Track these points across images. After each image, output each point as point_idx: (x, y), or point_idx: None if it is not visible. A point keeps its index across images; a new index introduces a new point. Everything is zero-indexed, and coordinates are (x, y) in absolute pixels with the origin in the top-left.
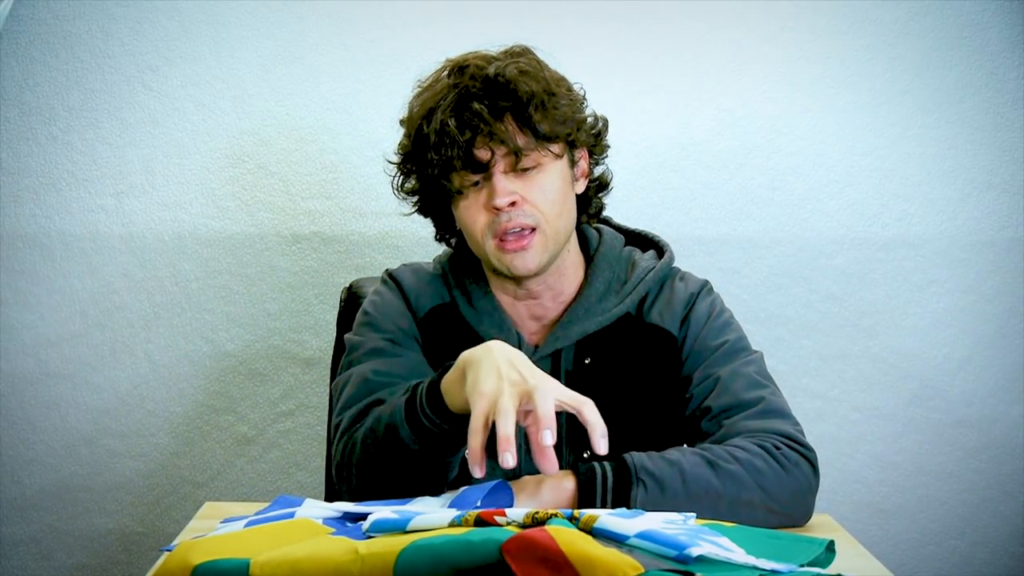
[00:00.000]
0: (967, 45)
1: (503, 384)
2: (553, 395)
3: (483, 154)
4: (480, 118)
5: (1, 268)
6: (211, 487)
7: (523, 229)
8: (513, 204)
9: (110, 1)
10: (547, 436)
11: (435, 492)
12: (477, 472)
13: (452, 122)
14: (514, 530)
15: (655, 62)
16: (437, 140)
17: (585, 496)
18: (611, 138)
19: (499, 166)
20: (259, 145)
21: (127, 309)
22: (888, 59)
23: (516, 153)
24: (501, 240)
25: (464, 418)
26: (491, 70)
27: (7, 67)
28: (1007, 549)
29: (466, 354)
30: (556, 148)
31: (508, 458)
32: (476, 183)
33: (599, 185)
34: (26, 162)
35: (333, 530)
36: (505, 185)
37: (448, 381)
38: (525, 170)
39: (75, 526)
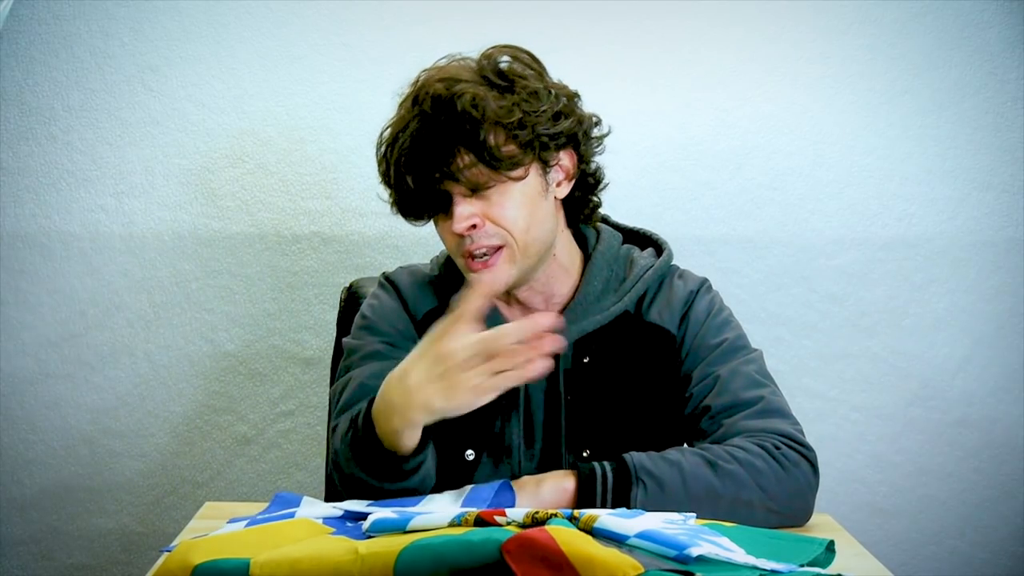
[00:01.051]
0: (967, 45)
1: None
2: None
3: (443, 183)
4: (432, 157)
5: (1, 268)
6: (211, 487)
7: (487, 251)
8: (473, 227)
9: (110, 1)
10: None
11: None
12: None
13: (404, 160)
14: (514, 530)
15: (655, 62)
16: (396, 176)
17: (585, 496)
18: (611, 138)
19: (459, 190)
20: (259, 145)
21: (127, 309)
22: (888, 59)
23: (470, 186)
24: (471, 258)
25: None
26: (446, 97)
27: (7, 67)
28: (1007, 549)
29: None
30: (515, 173)
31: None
32: (433, 208)
33: (589, 185)
34: (26, 162)
35: (333, 530)
36: (463, 210)
37: (375, 411)
38: (485, 190)
39: (75, 526)
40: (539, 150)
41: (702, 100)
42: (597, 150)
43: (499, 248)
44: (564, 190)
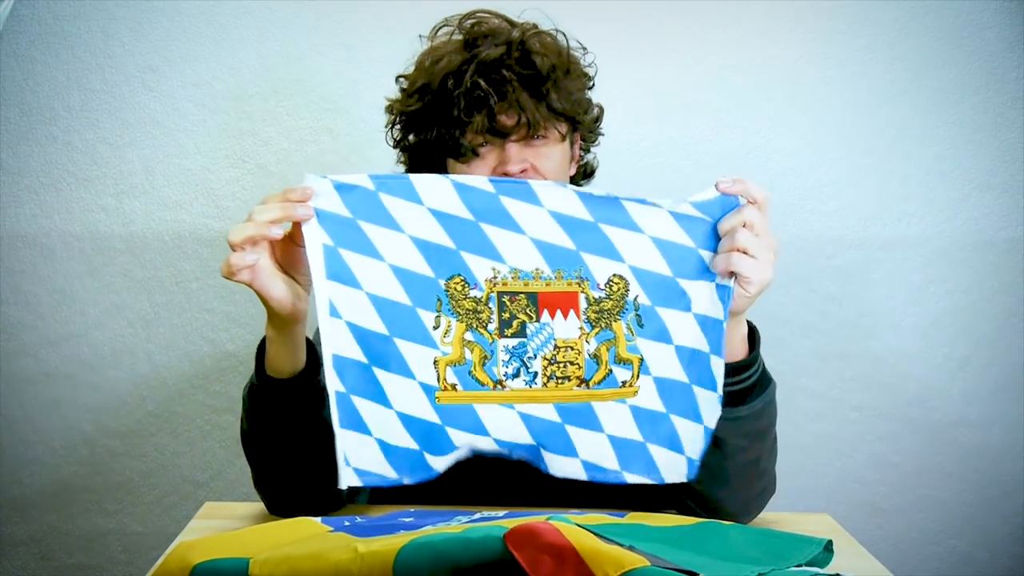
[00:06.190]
0: (967, 45)
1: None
2: None
3: (507, 120)
4: (509, 85)
5: (1, 268)
6: (211, 487)
7: None
8: (523, 172)
9: (110, 1)
10: None
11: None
12: None
13: (483, 83)
14: (514, 524)
15: (655, 62)
16: (467, 102)
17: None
18: (611, 138)
19: (515, 134)
20: (259, 145)
21: (127, 309)
22: (888, 59)
23: (532, 125)
24: None
25: (283, 383)
26: (515, 35)
27: (7, 67)
28: (1007, 549)
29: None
30: (563, 127)
31: None
32: (484, 144)
33: (585, 172)
34: (26, 162)
35: (331, 529)
36: (518, 152)
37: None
38: (534, 140)
39: (75, 526)
40: (582, 112)
41: (702, 100)
42: (593, 144)
43: None
44: (572, 169)
